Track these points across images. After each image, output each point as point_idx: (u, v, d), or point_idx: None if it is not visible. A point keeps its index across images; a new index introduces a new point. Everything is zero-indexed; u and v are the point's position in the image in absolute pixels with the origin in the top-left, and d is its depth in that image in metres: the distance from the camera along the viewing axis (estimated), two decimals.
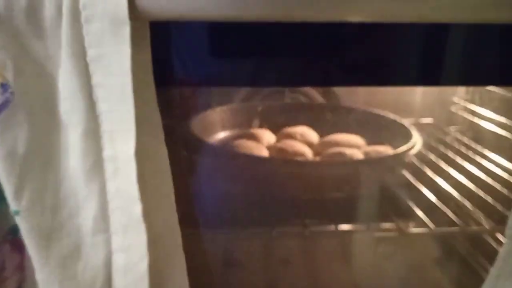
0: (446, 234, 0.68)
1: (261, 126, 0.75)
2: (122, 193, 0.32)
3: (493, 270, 0.43)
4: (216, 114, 0.70)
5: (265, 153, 0.66)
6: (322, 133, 0.75)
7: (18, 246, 0.34)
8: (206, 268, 0.69)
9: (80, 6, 0.28)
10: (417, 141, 0.65)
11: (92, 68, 0.29)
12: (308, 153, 0.68)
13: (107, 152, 0.31)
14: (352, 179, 0.63)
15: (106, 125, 0.31)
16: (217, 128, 0.71)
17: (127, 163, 0.31)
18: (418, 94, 0.81)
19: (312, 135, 0.73)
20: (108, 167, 0.31)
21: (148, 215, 0.33)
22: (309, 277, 0.66)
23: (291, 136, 0.72)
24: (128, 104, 0.29)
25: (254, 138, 0.69)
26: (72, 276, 0.33)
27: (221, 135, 0.72)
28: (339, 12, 0.33)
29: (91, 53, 0.29)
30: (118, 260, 0.34)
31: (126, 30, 0.28)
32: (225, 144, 0.68)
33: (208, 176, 0.65)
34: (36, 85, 0.31)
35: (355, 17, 0.34)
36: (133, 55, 0.30)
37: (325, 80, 0.45)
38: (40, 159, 0.32)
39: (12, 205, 0.31)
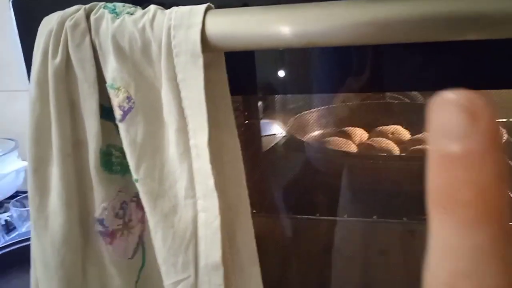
0: None
1: (356, 125, 0.82)
2: (202, 170, 0.44)
3: None
4: (314, 114, 0.80)
5: (353, 149, 0.75)
6: (417, 132, 0.80)
7: (140, 204, 0.48)
8: (307, 252, 0.79)
9: (172, 46, 0.42)
10: None
11: (180, 86, 0.42)
12: (395, 150, 0.75)
13: (191, 142, 0.44)
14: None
15: (190, 124, 0.43)
16: (315, 126, 0.81)
17: (204, 150, 0.43)
18: None
19: (404, 134, 0.79)
20: (193, 152, 0.44)
21: (224, 187, 0.46)
22: (404, 269, 0.72)
23: (382, 134, 0.79)
24: (203, 111, 0.42)
25: (346, 135, 0.78)
26: (171, 226, 0.45)
27: (318, 133, 0.81)
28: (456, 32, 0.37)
29: (179, 76, 0.42)
30: (201, 217, 0.45)
31: (200, 61, 0.41)
32: (316, 141, 0.78)
33: (304, 168, 0.76)
34: (148, 97, 0.44)
35: (473, 36, 0.37)
36: (212, 75, 0.44)
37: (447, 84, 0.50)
38: (151, 146, 0.45)
39: (133, 175, 0.45)
